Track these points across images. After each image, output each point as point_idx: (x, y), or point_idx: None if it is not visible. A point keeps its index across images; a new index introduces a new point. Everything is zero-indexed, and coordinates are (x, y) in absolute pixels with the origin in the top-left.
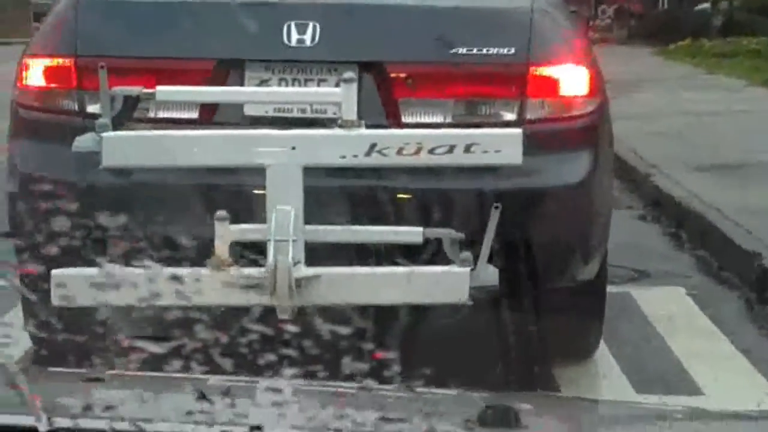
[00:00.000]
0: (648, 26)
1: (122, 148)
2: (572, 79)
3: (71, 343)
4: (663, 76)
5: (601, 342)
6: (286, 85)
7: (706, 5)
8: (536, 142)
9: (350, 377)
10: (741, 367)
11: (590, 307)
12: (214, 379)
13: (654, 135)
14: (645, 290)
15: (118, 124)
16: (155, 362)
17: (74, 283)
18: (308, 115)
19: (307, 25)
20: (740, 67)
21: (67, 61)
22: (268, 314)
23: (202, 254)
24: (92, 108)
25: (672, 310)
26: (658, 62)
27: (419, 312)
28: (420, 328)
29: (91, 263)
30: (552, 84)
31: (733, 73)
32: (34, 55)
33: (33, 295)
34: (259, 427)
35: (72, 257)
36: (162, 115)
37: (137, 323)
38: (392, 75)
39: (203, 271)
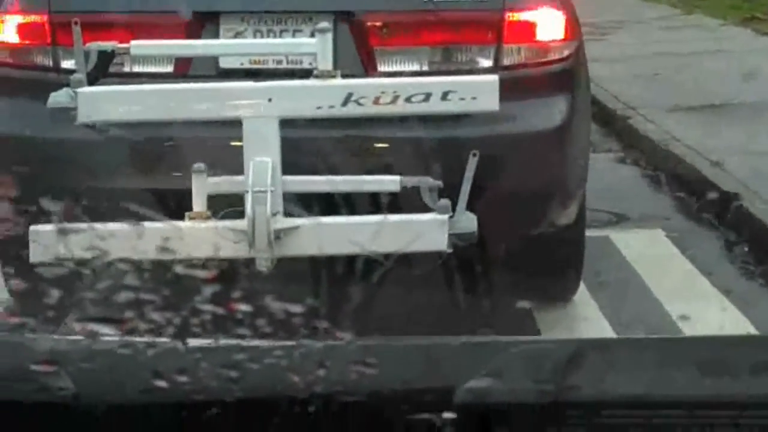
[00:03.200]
0: None
1: (97, 103)
2: (548, 24)
3: (48, 299)
4: (640, 17)
5: (581, 285)
6: (261, 37)
7: None
8: (513, 87)
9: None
10: (721, 306)
11: (569, 251)
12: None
13: (631, 77)
14: (624, 233)
15: (92, 79)
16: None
17: (51, 240)
18: (284, 66)
19: None
20: (718, 6)
21: (40, 18)
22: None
23: (181, 207)
24: (67, 64)
25: (651, 252)
26: (635, 3)
27: (398, 259)
28: (400, 275)
29: (68, 219)
30: (527, 29)
31: (710, 13)
32: (8, 12)
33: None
34: None
35: (50, 214)
36: (137, 69)
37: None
38: (367, 24)
39: (182, 224)
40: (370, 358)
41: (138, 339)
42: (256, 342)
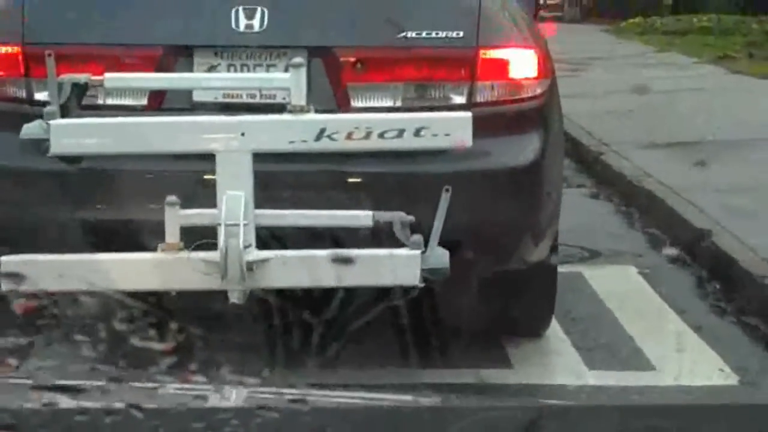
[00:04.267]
0: (599, 4)
1: (71, 135)
2: (521, 62)
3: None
4: (614, 54)
5: (553, 320)
6: (235, 71)
7: None
8: (485, 124)
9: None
10: (692, 344)
11: (541, 287)
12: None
13: (605, 113)
14: (596, 269)
15: (66, 111)
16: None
17: (23, 270)
18: (257, 100)
19: (255, 10)
20: (691, 44)
21: (14, 49)
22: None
23: (153, 239)
24: (40, 95)
25: (623, 288)
26: (609, 40)
27: (371, 294)
28: (373, 309)
29: (40, 250)
30: (501, 67)
31: (683, 51)
32: None
33: None
34: None
35: (21, 244)
36: (111, 102)
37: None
38: (341, 59)
39: (155, 255)
40: (329, 427)
41: (95, 405)
42: (213, 402)
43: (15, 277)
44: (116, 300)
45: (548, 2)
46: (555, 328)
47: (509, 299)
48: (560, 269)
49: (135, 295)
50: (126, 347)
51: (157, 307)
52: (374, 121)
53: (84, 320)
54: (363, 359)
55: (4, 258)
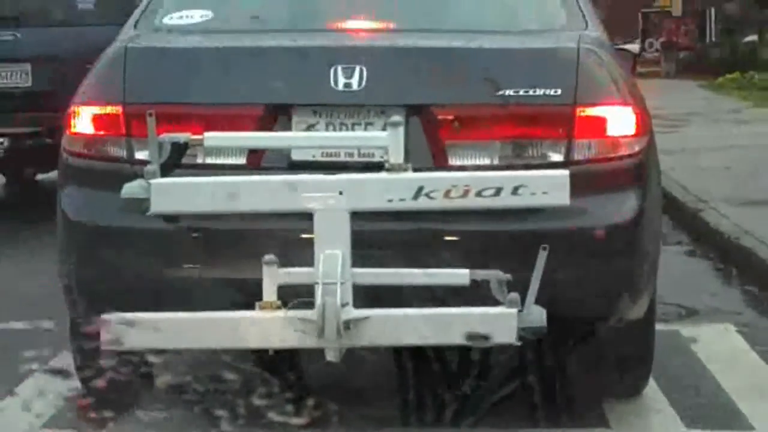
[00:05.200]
0: (696, 59)
1: (171, 194)
2: (619, 120)
3: (118, 385)
4: (711, 109)
5: (651, 379)
6: (334, 130)
7: (754, 37)
8: (583, 182)
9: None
10: None
11: (639, 345)
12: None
13: (702, 170)
14: (694, 327)
15: (166, 170)
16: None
17: (124, 328)
18: (355, 159)
19: (353, 69)
20: None
21: (115, 109)
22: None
23: (252, 297)
24: (141, 155)
25: (722, 346)
26: (706, 96)
27: (467, 352)
28: (469, 367)
29: (141, 308)
30: (598, 124)
31: None
32: (83, 103)
33: (83, 339)
34: None
35: (123, 302)
36: (210, 161)
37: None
38: (439, 117)
39: (253, 314)
40: None
41: None
42: None
43: (115, 335)
44: (255, 375)
45: (645, 58)
46: (652, 386)
47: (606, 358)
48: (658, 327)
49: (273, 369)
50: (264, 421)
51: (295, 381)
52: (472, 180)
53: (224, 395)
54: (455, 418)
55: (105, 316)
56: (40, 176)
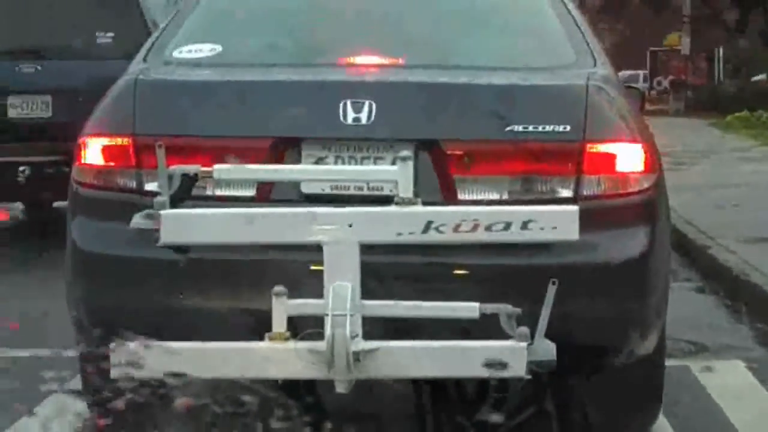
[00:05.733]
0: (704, 98)
1: (180, 225)
2: (628, 156)
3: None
4: (719, 147)
5: (661, 415)
6: (343, 163)
7: (763, 76)
8: (592, 218)
9: None
10: None
11: (649, 381)
12: None
13: (711, 207)
14: (704, 363)
15: (176, 201)
16: None
17: (133, 356)
18: (365, 192)
19: (363, 104)
20: None
21: (125, 140)
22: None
23: (260, 329)
24: (150, 186)
25: (731, 383)
26: (714, 134)
27: (475, 386)
28: (477, 402)
29: (150, 337)
30: (608, 161)
31: None
32: (93, 134)
33: (91, 367)
34: None
35: (131, 331)
36: (219, 192)
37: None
38: (448, 152)
39: (262, 344)
40: None
41: None
42: None
43: (124, 363)
44: (273, 398)
45: (653, 96)
46: (662, 422)
47: (616, 393)
48: (667, 363)
49: (292, 393)
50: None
51: (314, 406)
52: (481, 214)
53: (244, 418)
54: None
55: (114, 345)
56: (57, 204)
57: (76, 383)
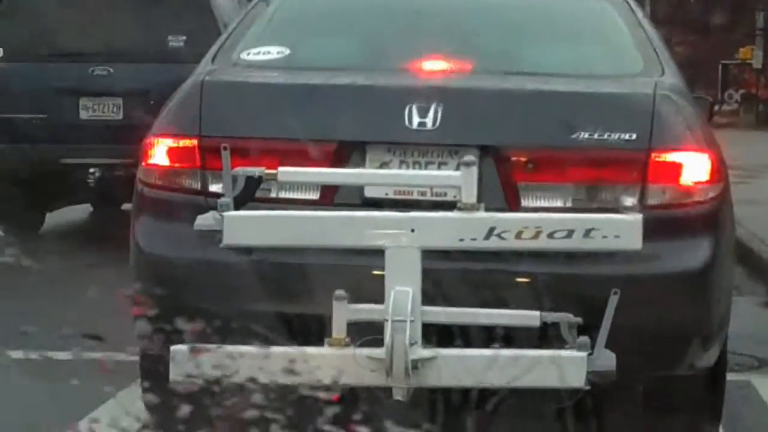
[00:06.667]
0: None
1: (243, 227)
2: (693, 166)
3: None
4: None
5: (721, 429)
6: (407, 168)
7: None
8: (656, 227)
9: None
10: None
11: (709, 395)
12: None
13: None
14: (766, 379)
15: (239, 203)
16: None
17: (194, 359)
18: (428, 197)
19: (428, 108)
20: None
21: (191, 142)
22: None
23: (321, 333)
24: (215, 187)
25: None
26: None
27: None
28: (536, 413)
29: (212, 341)
30: (673, 170)
31: None
32: (159, 135)
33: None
34: None
35: (192, 335)
36: (283, 195)
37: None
38: (512, 159)
39: (321, 350)
40: None
41: None
42: None
43: (184, 366)
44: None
45: (724, 108)
46: None
47: (675, 406)
48: (729, 377)
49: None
50: None
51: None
52: (544, 221)
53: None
54: None
55: (175, 347)
56: (126, 206)
57: (137, 387)
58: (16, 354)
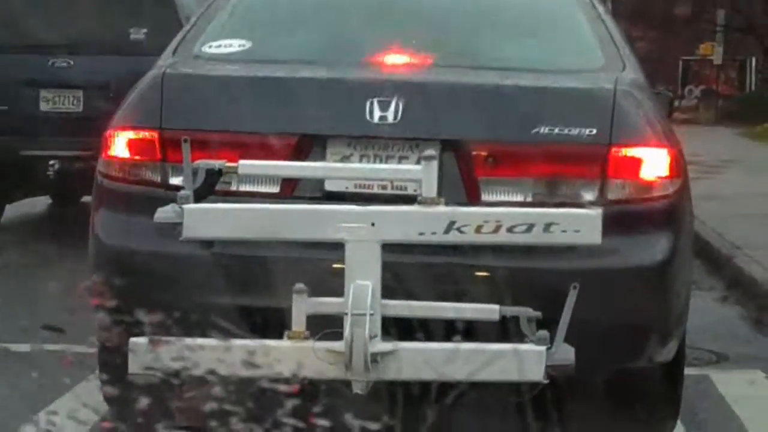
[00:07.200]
0: (735, 107)
1: (203, 220)
2: (653, 161)
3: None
4: (748, 157)
5: (679, 423)
6: (368, 162)
7: None
8: (616, 222)
9: None
10: None
11: (668, 389)
12: None
13: (737, 216)
14: (724, 373)
15: (200, 196)
16: None
17: (152, 352)
18: (388, 191)
19: (389, 102)
20: None
21: (151, 134)
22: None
23: (279, 326)
24: (175, 180)
25: (751, 393)
26: (743, 143)
27: (492, 390)
28: (495, 406)
29: (171, 333)
30: (633, 165)
31: None
32: (119, 127)
33: (110, 363)
34: None
35: (151, 327)
36: (243, 188)
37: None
38: (473, 153)
39: (281, 342)
40: None
41: None
42: None
43: (143, 359)
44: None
45: (684, 104)
46: (680, 431)
47: (634, 400)
48: (687, 372)
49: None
50: None
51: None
52: (504, 215)
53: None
54: None
55: (134, 339)
56: (85, 198)
57: (95, 379)
58: None
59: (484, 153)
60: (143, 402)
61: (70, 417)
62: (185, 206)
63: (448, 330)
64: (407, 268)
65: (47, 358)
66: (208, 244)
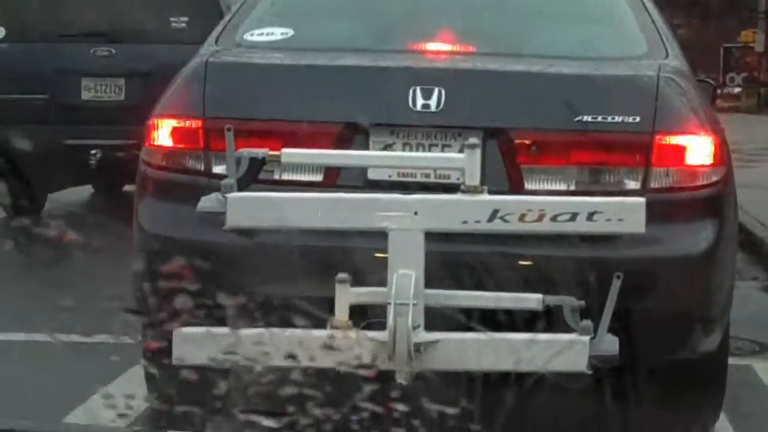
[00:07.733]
0: None
1: (246, 209)
2: (697, 149)
3: (190, 407)
4: None
5: (722, 415)
6: (411, 150)
7: None
8: (659, 211)
9: None
10: None
11: (711, 379)
12: None
13: None
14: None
15: (243, 185)
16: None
17: (195, 343)
18: (431, 180)
19: (432, 91)
20: None
21: (194, 123)
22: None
23: (323, 316)
24: (218, 169)
25: None
26: None
27: (536, 380)
28: (537, 396)
29: (214, 324)
30: (676, 153)
31: None
32: (163, 116)
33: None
34: None
35: (197, 317)
36: (286, 177)
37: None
38: (516, 141)
39: (324, 332)
40: None
41: None
42: None
43: (187, 350)
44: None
45: (726, 92)
46: (723, 421)
47: (677, 391)
48: (730, 361)
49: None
50: None
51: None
52: (547, 204)
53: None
54: None
55: (177, 331)
56: (127, 188)
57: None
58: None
59: (527, 141)
60: (187, 391)
61: (125, 396)
62: (228, 195)
63: (494, 320)
64: (451, 258)
65: (91, 349)
66: (251, 233)
